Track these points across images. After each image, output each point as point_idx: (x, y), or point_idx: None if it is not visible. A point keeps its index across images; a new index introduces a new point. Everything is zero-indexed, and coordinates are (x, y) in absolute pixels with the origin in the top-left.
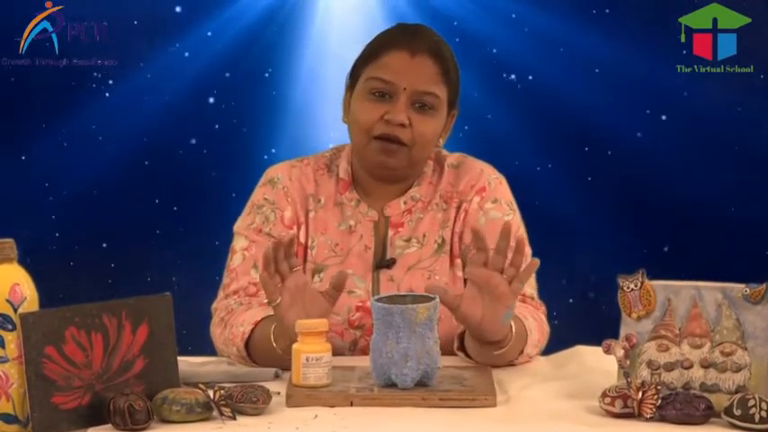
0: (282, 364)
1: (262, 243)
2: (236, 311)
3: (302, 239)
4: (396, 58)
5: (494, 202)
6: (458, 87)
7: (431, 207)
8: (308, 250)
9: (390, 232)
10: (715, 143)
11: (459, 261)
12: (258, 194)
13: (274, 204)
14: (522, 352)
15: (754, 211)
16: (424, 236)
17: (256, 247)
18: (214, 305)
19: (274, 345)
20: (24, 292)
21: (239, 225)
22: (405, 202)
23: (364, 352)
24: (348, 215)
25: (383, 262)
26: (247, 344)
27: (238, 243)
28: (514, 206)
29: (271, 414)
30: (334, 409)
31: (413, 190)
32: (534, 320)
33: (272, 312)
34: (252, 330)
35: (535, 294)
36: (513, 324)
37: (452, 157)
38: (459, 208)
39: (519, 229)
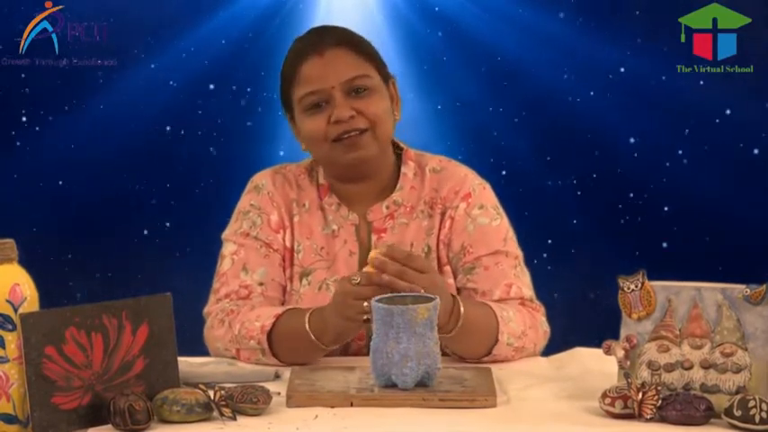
0: (307, 356)
1: (250, 246)
2: (241, 311)
3: (288, 243)
4: (310, 67)
5: (480, 208)
6: (381, 59)
7: (416, 214)
8: (295, 254)
9: (374, 237)
10: (715, 143)
11: (447, 269)
12: (244, 201)
13: (260, 209)
14: (497, 341)
15: (754, 211)
16: (412, 244)
17: (245, 250)
18: (206, 309)
19: (312, 337)
20: (24, 292)
21: (227, 232)
22: (387, 207)
23: (357, 354)
24: (330, 219)
25: None
26: (269, 336)
27: (227, 248)
28: (500, 210)
29: (271, 414)
30: (335, 409)
31: (395, 194)
32: (519, 314)
33: (289, 307)
34: (273, 323)
35: (534, 296)
36: (462, 310)
37: (434, 161)
38: (443, 215)
39: (507, 233)
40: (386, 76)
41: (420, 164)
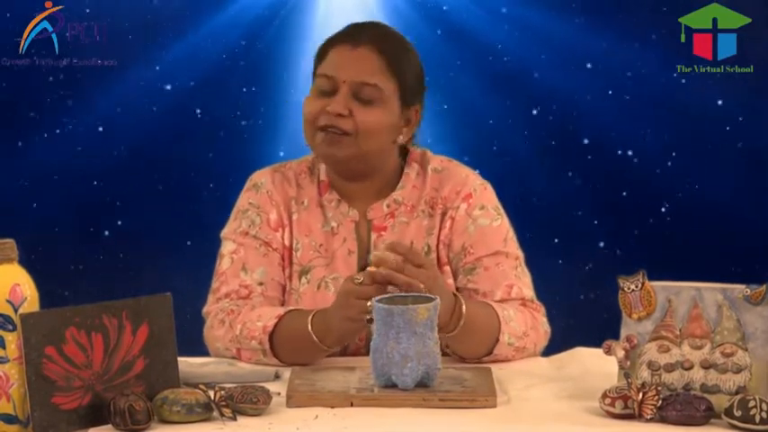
0: (309, 357)
1: (249, 246)
2: (242, 310)
3: (287, 242)
4: (337, 52)
5: (481, 209)
6: (414, 81)
7: (416, 213)
8: (293, 252)
9: (373, 235)
10: (715, 143)
11: (447, 269)
12: (243, 200)
13: (259, 208)
14: (498, 341)
15: (754, 211)
16: (411, 243)
17: (244, 249)
18: (205, 309)
19: (315, 338)
20: (25, 292)
21: (226, 231)
22: (387, 205)
23: (356, 354)
24: (330, 216)
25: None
26: (271, 337)
27: (226, 247)
28: (501, 211)
29: (271, 414)
30: (335, 409)
31: (396, 193)
32: (520, 314)
33: (291, 308)
34: (276, 324)
35: (534, 297)
36: (464, 310)
37: (436, 161)
38: (444, 215)
39: (508, 234)
40: (408, 98)
41: (422, 163)
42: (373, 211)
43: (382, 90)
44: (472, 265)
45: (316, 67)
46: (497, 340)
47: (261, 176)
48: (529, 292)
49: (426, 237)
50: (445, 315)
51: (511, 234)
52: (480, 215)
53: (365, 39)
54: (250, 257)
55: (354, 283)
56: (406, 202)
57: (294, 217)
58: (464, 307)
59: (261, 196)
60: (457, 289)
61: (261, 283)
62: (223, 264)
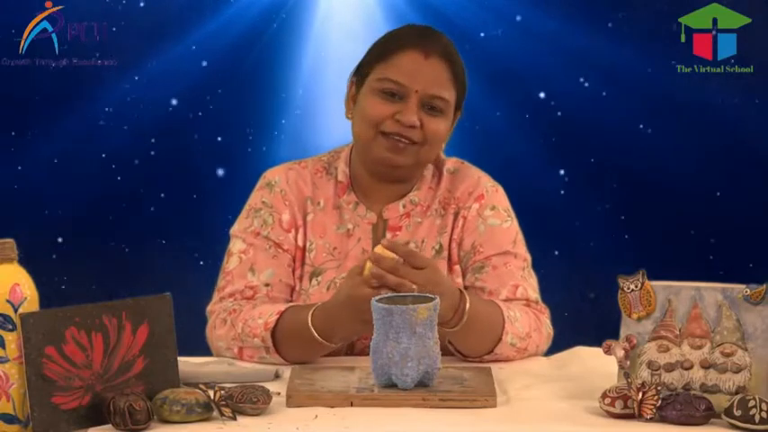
0: (312, 352)
1: (259, 246)
2: (244, 310)
3: (300, 243)
4: (409, 58)
5: (492, 209)
6: (465, 89)
7: (430, 213)
8: (306, 253)
9: (388, 235)
10: (715, 143)
11: (457, 268)
12: (256, 198)
13: (272, 208)
14: (500, 340)
15: (754, 211)
16: (423, 241)
17: (254, 250)
18: (209, 308)
19: (314, 332)
20: (24, 292)
21: (236, 228)
22: (404, 206)
23: (362, 353)
24: (346, 218)
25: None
26: (273, 333)
27: (235, 246)
28: (512, 213)
29: (271, 414)
30: (335, 409)
31: (412, 194)
32: (525, 315)
33: (292, 303)
34: (277, 321)
35: (539, 298)
36: (468, 306)
37: (450, 162)
38: (456, 215)
39: (517, 236)
40: (457, 107)
41: (437, 165)
42: (389, 211)
43: (448, 102)
44: (481, 264)
45: (375, 65)
46: (500, 339)
47: (275, 174)
48: (534, 294)
49: (438, 235)
50: (449, 311)
51: (520, 237)
52: (491, 215)
53: (436, 48)
54: (259, 258)
55: (371, 286)
56: (422, 203)
57: (309, 217)
58: (468, 303)
59: (274, 195)
60: (464, 287)
61: (267, 284)
62: (231, 262)
